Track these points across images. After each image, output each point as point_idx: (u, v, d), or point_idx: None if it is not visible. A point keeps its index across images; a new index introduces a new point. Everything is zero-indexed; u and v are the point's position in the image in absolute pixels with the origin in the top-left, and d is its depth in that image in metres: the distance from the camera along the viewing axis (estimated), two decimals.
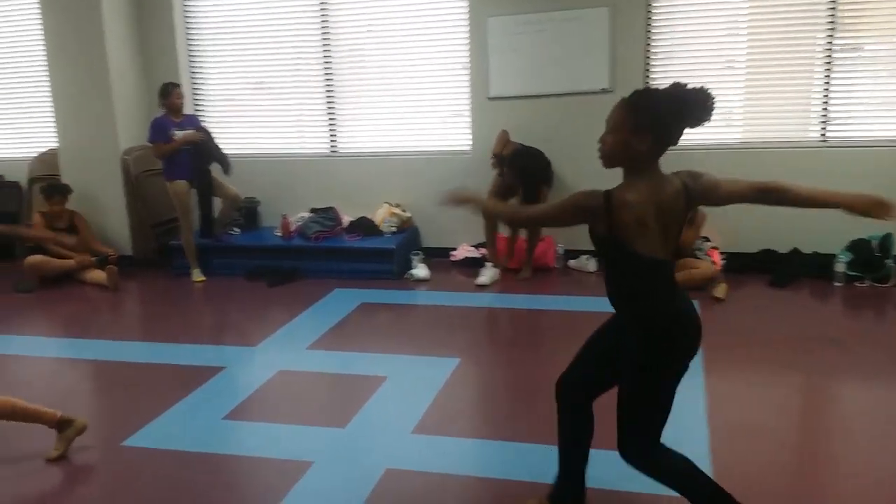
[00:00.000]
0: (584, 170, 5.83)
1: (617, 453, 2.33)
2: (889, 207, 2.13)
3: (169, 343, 4.69)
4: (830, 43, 5.44)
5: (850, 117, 5.52)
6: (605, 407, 2.43)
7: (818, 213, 2.45)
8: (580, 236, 6.01)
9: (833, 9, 5.37)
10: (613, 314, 2.41)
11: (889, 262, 5.20)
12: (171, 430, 3.46)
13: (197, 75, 6.74)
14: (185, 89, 6.27)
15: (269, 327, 4.85)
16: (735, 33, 5.73)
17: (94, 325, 5.24)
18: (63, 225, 6.13)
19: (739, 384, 3.77)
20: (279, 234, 6.21)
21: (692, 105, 2.14)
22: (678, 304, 2.26)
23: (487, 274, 5.52)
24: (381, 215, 6.16)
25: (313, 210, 6.31)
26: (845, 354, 4.07)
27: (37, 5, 6.43)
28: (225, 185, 6.03)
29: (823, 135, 5.57)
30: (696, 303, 4.74)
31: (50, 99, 6.54)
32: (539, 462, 2.93)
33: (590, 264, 5.73)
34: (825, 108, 5.54)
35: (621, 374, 2.30)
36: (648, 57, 5.72)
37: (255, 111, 6.76)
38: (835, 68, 5.47)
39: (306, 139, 6.69)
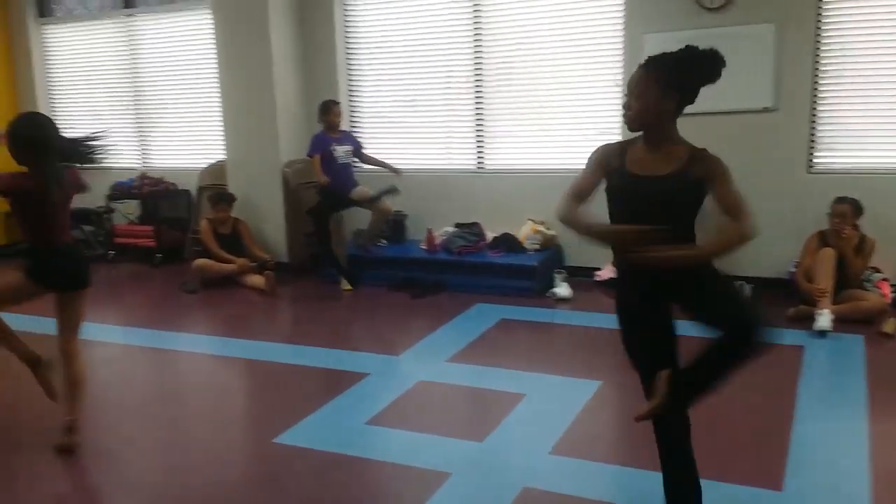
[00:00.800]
0: (743, 189, 5.55)
1: None
2: None
3: (318, 347, 4.89)
4: None
5: None
6: None
7: None
8: (735, 260, 5.74)
9: None
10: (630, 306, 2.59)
11: None
12: (318, 431, 3.60)
13: (354, 93, 7.03)
14: (343, 106, 6.55)
15: (411, 338, 4.95)
16: None
17: (251, 327, 5.55)
18: (227, 231, 6.57)
19: None
20: (424, 247, 6.35)
21: (708, 62, 2.40)
22: None
23: None
24: (525, 232, 6.15)
25: (458, 225, 6.40)
26: None
27: (211, 32, 6.95)
28: (369, 195, 6.21)
29: None
30: (861, 337, 4.42)
31: (219, 114, 7.04)
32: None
33: (745, 291, 5.43)
34: None
35: (694, 307, 2.44)
36: (817, 75, 5.40)
37: (406, 127, 6.95)
38: None
39: (454, 155, 6.80)
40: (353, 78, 7.01)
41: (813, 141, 5.50)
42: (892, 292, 5.02)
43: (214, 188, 6.97)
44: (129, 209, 7.78)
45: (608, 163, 2.52)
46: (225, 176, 7.05)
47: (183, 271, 6.84)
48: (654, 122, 2.39)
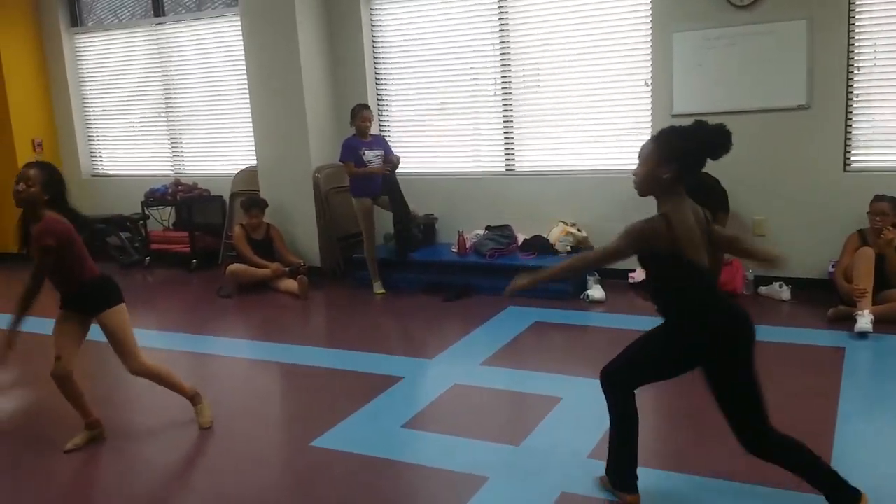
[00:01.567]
0: (778, 189, 5.53)
1: None
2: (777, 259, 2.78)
3: (352, 350, 4.92)
4: None
5: None
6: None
7: None
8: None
9: None
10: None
11: None
12: (354, 434, 3.62)
13: (382, 97, 7.07)
14: (373, 111, 6.58)
15: (445, 341, 4.96)
16: None
17: (285, 331, 5.60)
18: (260, 236, 6.64)
19: None
20: (455, 250, 6.35)
21: (717, 139, 2.49)
22: (727, 302, 2.66)
23: None
24: (556, 234, 6.13)
25: (489, 227, 6.40)
26: None
27: (240, 38, 7.02)
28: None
29: None
30: None
31: (250, 121, 7.11)
32: (716, 498, 2.79)
33: (783, 292, 5.37)
34: None
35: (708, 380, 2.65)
36: (851, 71, 5.32)
37: (435, 131, 6.97)
38: None
39: (483, 158, 6.80)
40: (381, 82, 7.05)
41: (849, 139, 5.41)
42: None
43: (247, 193, 7.04)
44: (163, 215, 7.89)
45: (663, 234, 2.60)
46: (257, 181, 7.11)
47: (218, 276, 6.92)
48: (650, 192, 2.60)
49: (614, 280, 5.94)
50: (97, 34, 8.49)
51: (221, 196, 7.67)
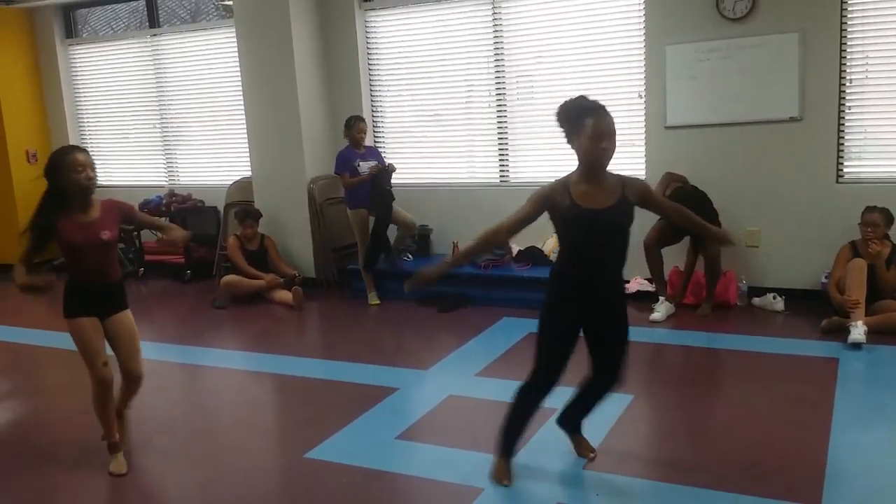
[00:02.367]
0: (771, 200, 5.56)
1: None
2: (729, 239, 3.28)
3: (346, 361, 4.91)
4: None
5: None
6: None
7: None
8: (767, 272, 5.71)
9: None
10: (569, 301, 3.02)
11: None
12: (349, 446, 3.61)
13: (377, 108, 7.08)
14: (367, 122, 6.59)
15: (440, 352, 4.95)
16: None
17: (280, 342, 5.59)
18: (254, 247, 6.63)
19: None
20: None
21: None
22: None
23: (662, 309, 5.35)
24: (551, 245, 6.14)
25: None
26: None
27: (234, 50, 7.04)
28: (401, 213, 6.26)
29: None
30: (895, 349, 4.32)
31: (245, 132, 7.12)
32: None
33: (777, 303, 5.38)
34: None
35: (611, 328, 3.08)
36: (843, 84, 5.36)
37: (429, 142, 6.98)
38: None
39: (477, 169, 6.82)
40: (376, 93, 7.06)
41: (841, 150, 5.45)
42: None
43: (241, 204, 7.04)
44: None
45: (553, 199, 2.91)
46: (252, 192, 7.11)
47: (212, 287, 6.91)
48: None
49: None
50: (92, 45, 8.50)
51: (216, 207, 7.66)
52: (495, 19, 6.43)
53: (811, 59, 5.34)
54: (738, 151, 5.63)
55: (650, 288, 5.74)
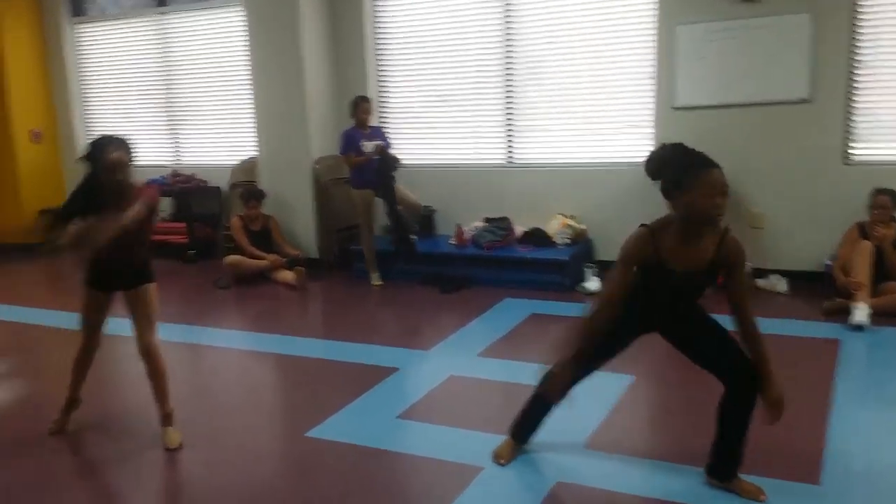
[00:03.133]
0: (777, 181, 5.52)
1: None
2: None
3: (348, 342, 4.91)
4: None
5: None
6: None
7: None
8: (771, 254, 5.69)
9: None
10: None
11: None
12: (349, 425, 3.61)
13: (383, 88, 7.04)
14: (373, 102, 6.54)
15: (442, 332, 4.95)
16: None
17: (282, 322, 5.60)
18: (258, 227, 6.63)
19: None
20: (453, 242, 6.34)
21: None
22: None
23: None
24: (555, 226, 6.12)
25: (487, 220, 6.39)
26: None
27: (243, 28, 7.01)
28: (406, 194, 6.24)
29: None
30: None
31: (251, 111, 7.10)
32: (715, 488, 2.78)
33: (780, 284, 5.36)
34: None
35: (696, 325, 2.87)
36: (853, 66, 5.30)
37: (436, 122, 6.95)
38: None
39: (483, 149, 6.78)
40: (383, 73, 7.02)
41: (849, 132, 5.40)
42: None
43: (246, 185, 7.03)
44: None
45: (642, 258, 2.69)
46: (256, 173, 7.10)
47: (215, 267, 6.92)
48: None
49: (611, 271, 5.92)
50: (99, 24, 8.47)
51: (219, 187, 7.65)
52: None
53: (822, 40, 5.29)
54: (746, 132, 5.58)
55: None
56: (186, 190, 7.57)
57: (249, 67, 6.95)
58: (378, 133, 6.27)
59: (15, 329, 5.58)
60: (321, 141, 6.82)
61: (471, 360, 4.45)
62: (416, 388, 4.09)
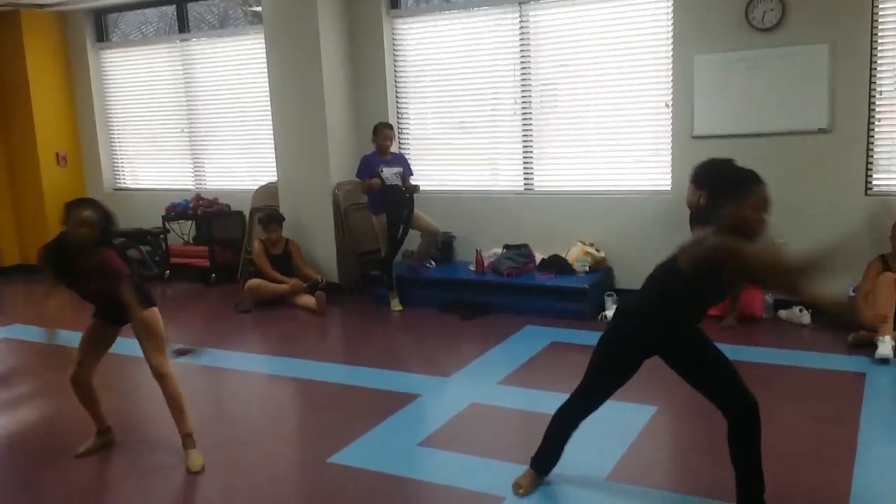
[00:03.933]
0: (799, 212, 5.49)
1: None
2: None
3: (369, 367, 4.92)
4: None
5: None
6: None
7: None
8: None
9: None
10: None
11: None
12: (371, 452, 3.62)
13: (403, 115, 7.12)
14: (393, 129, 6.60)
15: (462, 359, 4.96)
16: None
17: (303, 346, 5.62)
18: (278, 251, 6.68)
19: None
20: (473, 268, 6.36)
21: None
22: None
23: None
24: (575, 254, 6.13)
25: (507, 246, 6.40)
26: None
27: (262, 55, 7.12)
28: (426, 219, 6.28)
29: None
30: None
31: (271, 137, 7.19)
32: None
33: (804, 316, 5.32)
34: None
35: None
36: (873, 96, 5.31)
37: (454, 149, 7.00)
38: None
39: (501, 176, 6.82)
40: (402, 100, 7.10)
41: (870, 163, 5.39)
42: None
43: (267, 209, 7.09)
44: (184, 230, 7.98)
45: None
46: (277, 197, 7.17)
47: (236, 291, 6.97)
48: None
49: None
50: (123, 49, 8.63)
51: (241, 211, 7.73)
52: (522, 28, 6.44)
53: (841, 70, 5.30)
54: (765, 162, 5.48)
55: None
56: (209, 214, 7.65)
57: (270, 92, 7.05)
58: (399, 160, 6.32)
59: (41, 350, 5.64)
60: (341, 166, 6.89)
61: (491, 387, 4.45)
62: (437, 415, 4.09)
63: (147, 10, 8.45)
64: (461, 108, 6.89)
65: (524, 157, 6.65)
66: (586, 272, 6.00)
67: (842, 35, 5.27)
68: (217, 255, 7.57)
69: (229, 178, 8.14)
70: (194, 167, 8.36)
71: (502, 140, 6.76)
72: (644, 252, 6.23)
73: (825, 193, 5.44)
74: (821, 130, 5.39)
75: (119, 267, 3.48)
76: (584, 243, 6.17)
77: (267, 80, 7.07)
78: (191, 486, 3.43)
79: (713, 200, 2.70)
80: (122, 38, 8.71)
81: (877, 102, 5.32)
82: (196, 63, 8.14)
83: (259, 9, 7.13)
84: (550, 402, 4.15)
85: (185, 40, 8.14)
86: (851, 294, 5.18)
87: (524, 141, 6.62)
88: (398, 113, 7.11)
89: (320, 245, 6.98)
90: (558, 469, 3.32)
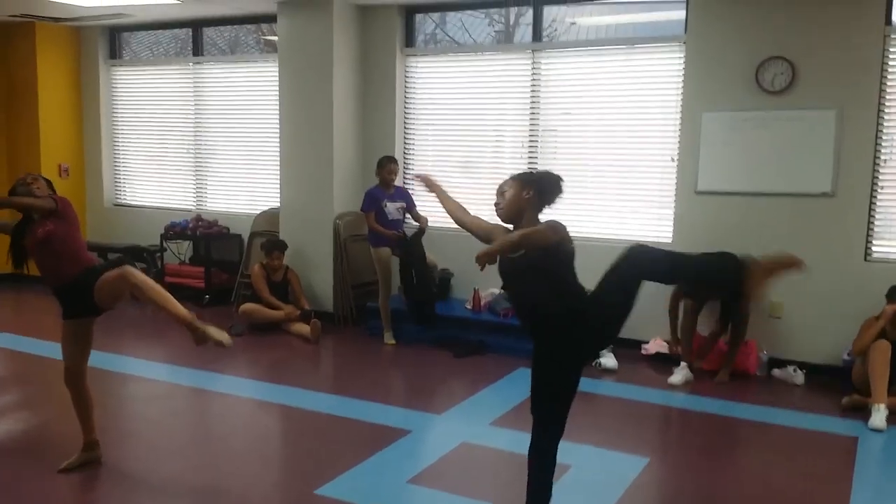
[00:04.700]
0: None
1: None
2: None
3: (359, 399, 4.87)
4: None
5: None
6: None
7: None
8: (789, 344, 5.63)
9: None
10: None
11: None
12: (360, 486, 3.57)
13: (409, 151, 7.16)
14: (398, 164, 6.62)
15: (454, 398, 4.92)
16: None
17: (294, 374, 5.57)
18: (278, 278, 6.66)
19: None
20: (469, 306, 6.35)
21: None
22: None
23: (681, 374, 5.29)
24: None
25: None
26: None
27: (272, 83, 7.18)
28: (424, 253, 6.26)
29: None
30: None
31: (276, 163, 7.21)
32: None
33: (797, 376, 5.32)
34: None
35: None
36: (877, 162, 5.38)
37: (458, 187, 7.01)
38: None
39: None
40: (410, 136, 7.15)
41: (871, 229, 5.44)
42: None
43: (266, 234, 7.09)
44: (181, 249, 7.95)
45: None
46: (277, 223, 7.17)
47: (229, 313, 6.92)
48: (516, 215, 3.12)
49: (627, 350, 5.90)
50: (134, 67, 8.69)
51: (240, 235, 7.72)
52: (534, 73, 6.52)
53: (847, 136, 5.37)
54: (767, 221, 5.63)
55: (669, 351, 5.72)
56: (208, 235, 7.64)
57: (278, 120, 7.09)
58: (402, 194, 6.34)
59: (34, 361, 5.59)
60: (344, 197, 6.91)
61: (483, 428, 4.41)
62: (427, 452, 4.05)
63: (158, 32, 8.53)
64: (467, 147, 6.95)
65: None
66: None
67: (850, 102, 5.35)
68: (212, 277, 7.53)
69: (230, 201, 8.14)
70: (196, 188, 8.36)
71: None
72: (642, 301, 6.22)
73: (825, 256, 5.47)
74: (824, 194, 5.44)
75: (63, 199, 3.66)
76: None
77: (275, 107, 7.12)
78: None
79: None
80: (133, 57, 8.78)
81: (880, 170, 5.39)
82: (206, 86, 8.19)
83: (274, 38, 7.20)
84: None
85: (197, 63, 8.21)
86: (846, 358, 5.19)
87: None
88: (405, 148, 7.16)
89: (318, 273, 6.96)
90: None
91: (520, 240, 2.87)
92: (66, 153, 8.59)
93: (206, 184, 8.33)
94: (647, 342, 5.94)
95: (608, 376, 5.50)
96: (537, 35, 6.53)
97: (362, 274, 6.85)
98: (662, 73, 6.05)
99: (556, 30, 6.67)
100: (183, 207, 8.30)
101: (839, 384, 5.07)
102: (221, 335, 3.46)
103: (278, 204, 7.23)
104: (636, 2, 6.55)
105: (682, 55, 5.91)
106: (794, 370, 5.36)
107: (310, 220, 6.95)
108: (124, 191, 8.86)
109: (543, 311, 2.88)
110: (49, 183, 3.79)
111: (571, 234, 3.08)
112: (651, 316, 5.92)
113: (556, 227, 2.91)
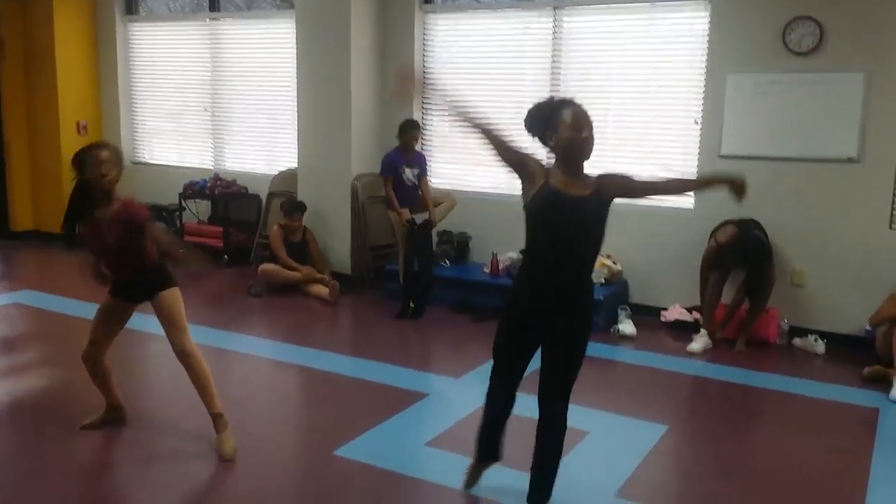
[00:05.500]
0: (820, 240, 5.46)
1: None
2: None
3: (378, 361, 4.90)
4: None
5: None
6: None
7: None
8: (810, 313, 5.57)
9: None
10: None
11: None
12: (378, 448, 3.60)
13: (427, 112, 7.08)
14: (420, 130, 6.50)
15: (472, 361, 4.92)
16: None
17: (312, 335, 5.60)
18: (297, 239, 6.66)
19: None
20: (487, 271, 6.33)
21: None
22: None
23: (701, 341, 5.26)
24: (597, 262, 6.07)
25: (523, 251, 6.35)
26: None
27: (290, 41, 7.09)
28: (437, 210, 6.23)
29: None
30: None
31: (294, 123, 7.16)
32: None
33: (818, 346, 5.28)
34: None
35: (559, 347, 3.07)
36: None
37: (476, 150, 6.92)
38: None
39: None
40: (427, 96, 7.06)
41: None
42: None
43: (284, 195, 7.07)
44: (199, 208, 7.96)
45: (537, 168, 3.02)
46: (295, 184, 7.14)
47: (247, 273, 6.95)
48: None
49: (646, 317, 5.88)
50: (151, 24, 8.61)
51: (258, 195, 7.71)
52: (555, 32, 6.39)
53: (874, 100, 5.24)
54: (791, 187, 5.54)
55: (688, 318, 5.68)
56: (226, 195, 7.63)
57: (296, 79, 7.02)
58: (419, 159, 6.19)
59: (56, 318, 5.65)
60: (362, 158, 6.86)
61: None
62: (445, 416, 4.07)
63: None
64: (486, 107, 6.80)
65: (547, 163, 6.58)
66: (602, 284, 5.95)
67: (878, 65, 5.21)
68: (231, 237, 7.55)
69: (248, 160, 8.11)
70: (214, 147, 8.34)
71: (525, 145, 6.69)
72: (661, 268, 6.25)
73: (850, 223, 5.39)
74: (849, 160, 5.34)
75: (138, 210, 3.42)
76: (602, 255, 6.12)
77: (293, 65, 7.04)
78: (193, 468, 3.41)
79: (541, 140, 2.99)
80: (150, 13, 8.69)
81: None
82: (223, 43, 8.11)
83: None
84: None
85: (213, 19, 8.12)
86: (867, 328, 5.13)
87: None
88: (423, 108, 7.07)
89: (335, 235, 6.95)
90: (566, 484, 3.29)
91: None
92: (84, 110, 8.58)
93: (223, 143, 8.30)
94: (667, 309, 5.91)
95: (627, 343, 5.49)
96: None
97: (380, 236, 6.84)
98: (687, 32, 5.91)
99: None
100: (200, 167, 8.28)
101: (860, 354, 5.03)
102: (227, 449, 3.48)
103: (296, 164, 7.19)
104: None
105: (707, 14, 5.76)
106: (815, 339, 5.32)
107: (327, 181, 6.92)
108: (143, 149, 8.85)
109: (587, 270, 3.08)
110: (116, 151, 3.49)
111: None
112: (670, 283, 5.92)
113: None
